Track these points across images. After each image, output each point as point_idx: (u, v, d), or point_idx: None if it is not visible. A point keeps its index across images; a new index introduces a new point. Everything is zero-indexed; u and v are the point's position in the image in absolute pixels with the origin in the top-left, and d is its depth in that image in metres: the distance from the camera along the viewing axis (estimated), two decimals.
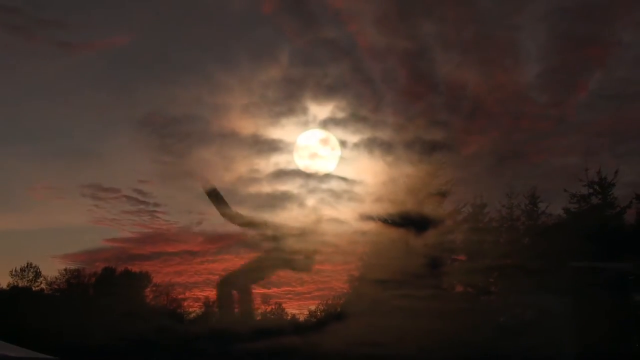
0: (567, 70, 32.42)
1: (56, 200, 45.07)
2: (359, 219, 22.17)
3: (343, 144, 24.56)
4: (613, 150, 28.24)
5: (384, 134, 24.91)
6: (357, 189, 23.56)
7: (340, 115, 24.73)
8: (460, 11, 31.69)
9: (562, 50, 31.49)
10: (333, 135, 24.77)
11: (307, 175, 24.21)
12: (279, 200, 23.96)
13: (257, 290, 35.27)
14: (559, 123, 31.56)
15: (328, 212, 22.64)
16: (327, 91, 26.47)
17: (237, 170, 25.15)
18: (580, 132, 32.76)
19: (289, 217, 22.16)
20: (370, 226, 22.72)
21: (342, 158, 24.49)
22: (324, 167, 24.20)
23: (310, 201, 23.31)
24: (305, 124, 25.04)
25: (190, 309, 30.82)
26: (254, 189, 24.04)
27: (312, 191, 23.74)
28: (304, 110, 25.07)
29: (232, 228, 24.90)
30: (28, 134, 47.03)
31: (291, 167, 24.81)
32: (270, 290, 38.12)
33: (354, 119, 24.43)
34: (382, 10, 32.27)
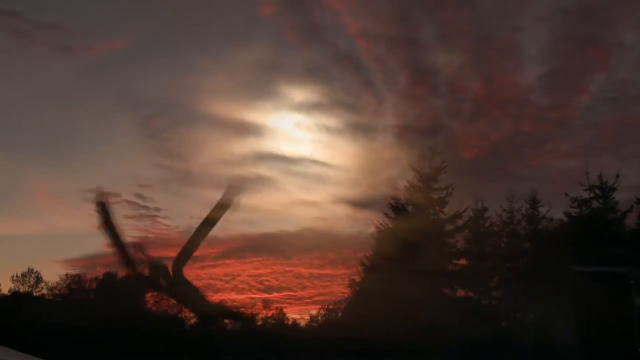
0: (569, 72, 32.34)
1: (57, 205, 45.08)
2: (334, 201, 22.09)
3: (321, 128, 24.48)
4: (615, 153, 28.19)
5: (364, 118, 24.81)
6: (334, 173, 23.55)
7: (317, 99, 24.68)
8: (461, 13, 31.70)
9: (564, 52, 31.40)
10: (311, 119, 24.72)
11: (283, 159, 24.07)
12: (254, 183, 23.83)
13: (258, 295, 35.24)
14: (561, 126, 31.50)
15: (303, 195, 22.56)
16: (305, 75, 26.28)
17: (212, 153, 25.05)
18: (582, 135, 32.69)
19: (264, 201, 22.12)
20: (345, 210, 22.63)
21: (319, 142, 24.42)
22: (300, 151, 24.06)
23: (286, 184, 23.17)
24: (281, 108, 24.92)
25: (191, 314, 30.76)
26: (229, 171, 23.98)
27: (287, 174, 23.56)
28: (280, 94, 24.86)
29: (233, 232, 24.86)
30: (28, 140, 47.11)
31: (267, 149, 24.71)
32: (271, 295, 38.00)
33: (333, 104, 24.39)
34: (382, 11, 32.31)
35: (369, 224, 43.63)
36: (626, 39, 32.06)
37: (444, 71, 31.02)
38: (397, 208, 22.90)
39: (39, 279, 33.53)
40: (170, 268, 10.29)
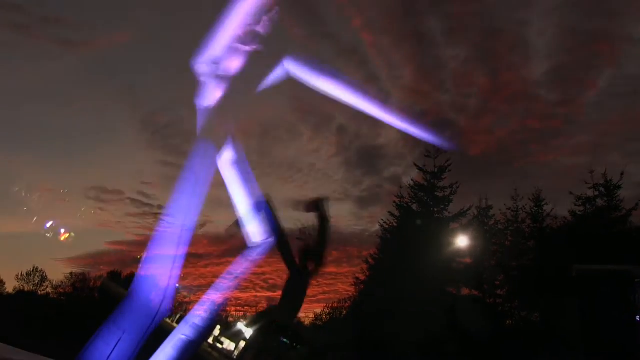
0: (576, 67, 31.88)
1: (59, 203, 45.27)
2: (338, 199, 21.67)
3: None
4: (623, 149, 27.91)
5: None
6: (338, 170, 23.35)
7: None
8: (467, 6, 31.36)
9: (571, 46, 30.98)
10: None
11: None
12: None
13: (262, 294, 35.25)
14: (568, 122, 31.22)
15: (305, 192, 22.15)
16: None
17: None
18: (590, 131, 32.34)
19: None
20: None
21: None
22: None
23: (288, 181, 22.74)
24: None
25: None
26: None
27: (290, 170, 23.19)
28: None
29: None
30: (31, 137, 47.45)
31: None
32: (275, 293, 38.04)
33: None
34: (387, 4, 32.02)
35: (373, 221, 43.50)
36: (635, 33, 31.52)
37: (449, 66, 30.77)
38: (401, 206, 22.87)
39: (43, 278, 33.73)
40: None
